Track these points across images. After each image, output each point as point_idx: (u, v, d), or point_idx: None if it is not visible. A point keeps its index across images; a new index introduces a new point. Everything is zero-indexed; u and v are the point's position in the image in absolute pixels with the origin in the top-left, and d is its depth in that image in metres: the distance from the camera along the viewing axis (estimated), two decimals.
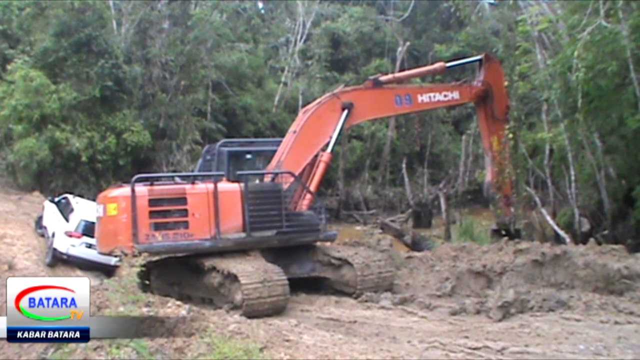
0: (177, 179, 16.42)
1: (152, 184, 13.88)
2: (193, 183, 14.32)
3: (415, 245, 25.27)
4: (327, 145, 15.83)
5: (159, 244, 13.30)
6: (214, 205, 13.76)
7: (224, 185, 14.23)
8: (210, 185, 13.94)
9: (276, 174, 14.96)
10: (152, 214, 13.33)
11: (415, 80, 20.16)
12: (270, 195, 14.64)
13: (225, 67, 40.52)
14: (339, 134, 16.08)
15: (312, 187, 15.43)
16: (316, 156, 15.72)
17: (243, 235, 14.04)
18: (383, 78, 17.51)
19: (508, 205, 19.12)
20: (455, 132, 45.22)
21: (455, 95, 18.34)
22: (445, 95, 18.08)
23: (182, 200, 13.69)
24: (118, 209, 13.42)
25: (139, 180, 13.76)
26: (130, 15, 36.26)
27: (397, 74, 17.99)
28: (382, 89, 17.12)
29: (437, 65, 19.59)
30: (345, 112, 16.04)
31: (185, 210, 13.65)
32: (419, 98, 17.58)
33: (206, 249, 13.68)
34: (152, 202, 13.36)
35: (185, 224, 13.59)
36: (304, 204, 15.18)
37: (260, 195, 14.53)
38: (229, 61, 40.88)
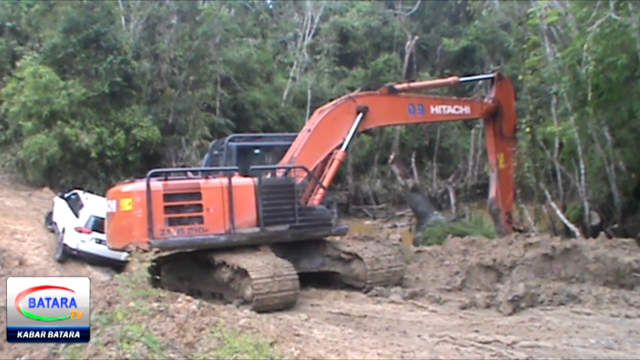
0: (189, 174, 16.39)
1: (166, 179, 13.81)
2: (206, 178, 14.24)
3: (414, 192, 25.61)
4: (340, 145, 15.90)
5: (174, 239, 13.23)
6: (229, 199, 13.73)
7: (238, 180, 14.20)
8: (225, 180, 13.90)
9: (289, 169, 15.02)
10: (167, 209, 13.26)
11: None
12: (283, 190, 14.66)
13: (233, 62, 40.58)
14: (353, 136, 16.19)
15: (325, 184, 15.47)
16: (329, 154, 15.77)
17: (257, 229, 14.01)
18: (398, 86, 17.71)
19: (509, 223, 19.24)
20: (464, 127, 45.12)
21: (467, 110, 18.60)
22: (457, 109, 18.33)
23: (197, 195, 13.63)
24: (133, 204, 13.33)
25: (153, 175, 13.67)
26: (138, 11, 36.35)
27: (412, 84, 18.27)
28: (396, 96, 17.30)
29: (451, 79, 20.04)
30: (360, 115, 16.18)
31: (200, 205, 13.60)
32: (432, 109, 17.78)
33: (221, 243, 13.63)
34: (167, 197, 13.27)
35: (200, 219, 13.53)
36: (316, 199, 15.23)
37: (273, 189, 14.53)
38: (238, 56, 40.93)
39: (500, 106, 18.69)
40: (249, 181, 14.29)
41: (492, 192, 19.18)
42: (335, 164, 15.73)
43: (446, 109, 18.06)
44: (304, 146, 15.31)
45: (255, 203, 14.13)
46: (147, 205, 13.02)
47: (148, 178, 13.26)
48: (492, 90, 19.05)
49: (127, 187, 14.15)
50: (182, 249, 14.07)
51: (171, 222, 13.28)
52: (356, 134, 16.47)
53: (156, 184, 13.33)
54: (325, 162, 15.80)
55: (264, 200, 14.14)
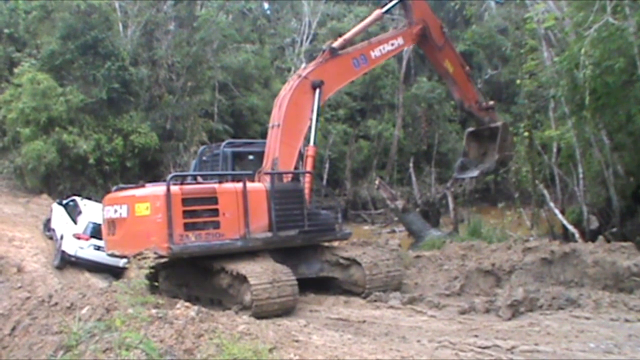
0: (199, 179, 16.25)
1: (182, 183, 13.67)
2: (220, 182, 14.13)
3: (405, 213, 25.64)
4: (309, 130, 15.94)
5: (193, 245, 12.99)
6: (243, 204, 13.65)
7: (251, 185, 14.16)
8: (238, 185, 13.83)
9: (298, 174, 15.23)
10: (185, 213, 13.03)
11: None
12: (293, 194, 14.72)
13: (231, 68, 40.64)
14: (318, 115, 16.09)
15: (307, 184, 15.45)
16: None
17: (270, 234, 13.98)
18: (336, 45, 17.41)
19: (481, 110, 20.01)
20: (462, 131, 44.93)
21: (400, 41, 18.53)
22: (392, 44, 18.27)
23: (214, 199, 13.47)
24: (151, 208, 13.05)
25: (172, 179, 13.52)
26: (136, 17, 36.37)
27: (346, 36, 18.08)
28: (340, 56, 17.14)
29: (374, 14, 19.34)
30: (317, 90, 16.12)
31: (216, 209, 13.45)
32: (372, 54, 17.75)
33: (238, 248, 13.52)
34: (185, 201, 13.06)
35: (216, 224, 13.36)
36: (306, 190, 15.26)
37: (284, 194, 14.53)
38: (235, 62, 40.98)
39: (427, 25, 18.77)
40: (261, 186, 14.30)
41: (457, 96, 19.90)
42: (309, 161, 15.68)
43: (384, 48, 18.03)
44: (281, 143, 15.24)
45: (267, 208, 14.12)
46: (167, 210, 12.76)
47: (169, 182, 13.09)
48: (410, 14, 18.86)
49: (142, 191, 13.92)
50: (201, 255, 13.71)
51: (188, 227, 13.06)
52: (320, 110, 16.30)
53: (174, 188, 13.09)
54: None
55: (276, 205, 14.14)
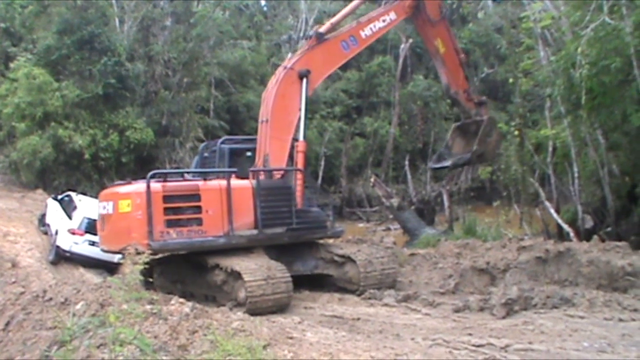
0: (186, 176, 16.22)
1: (165, 180, 13.66)
2: (205, 179, 14.12)
3: (400, 210, 25.58)
4: (299, 123, 15.71)
5: (173, 241, 13.10)
6: (227, 201, 13.65)
7: (236, 182, 14.12)
8: (223, 182, 13.81)
9: (287, 171, 15.10)
10: (166, 210, 13.10)
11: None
12: (280, 192, 14.68)
13: (227, 64, 40.54)
14: (307, 106, 15.86)
15: (299, 181, 15.37)
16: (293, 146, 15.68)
17: (255, 232, 13.97)
18: (323, 29, 16.98)
19: (469, 100, 19.39)
20: None
21: (392, 16, 17.96)
22: (384, 21, 17.73)
23: (196, 196, 13.51)
24: (132, 205, 13.15)
25: (153, 176, 13.48)
26: (132, 12, 36.33)
27: (333, 20, 17.63)
28: (327, 41, 16.69)
29: None
30: (304, 80, 15.84)
31: (199, 207, 13.48)
32: (362, 34, 17.30)
33: (220, 245, 13.53)
34: (167, 198, 13.12)
35: (199, 221, 13.41)
36: (299, 185, 15.19)
37: (271, 192, 14.49)
38: (232, 58, 40.87)
39: None
40: (246, 183, 14.25)
41: (444, 79, 19.32)
42: (300, 156, 15.51)
43: (375, 26, 17.53)
44: (272, 138, 15.15)
45: (253, 205, 14.08)
46: (147, 207, 12.85)
47: (148, 179, 13.10)
48: None
49: (125, 188, 14.00)
50: (181, 251, 13.88)
51: (170, 224, 13.13)
52: (308, 101, 16.00)
53: (155, 186, 13.16)
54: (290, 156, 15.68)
55: (262, 202, 14.10)
